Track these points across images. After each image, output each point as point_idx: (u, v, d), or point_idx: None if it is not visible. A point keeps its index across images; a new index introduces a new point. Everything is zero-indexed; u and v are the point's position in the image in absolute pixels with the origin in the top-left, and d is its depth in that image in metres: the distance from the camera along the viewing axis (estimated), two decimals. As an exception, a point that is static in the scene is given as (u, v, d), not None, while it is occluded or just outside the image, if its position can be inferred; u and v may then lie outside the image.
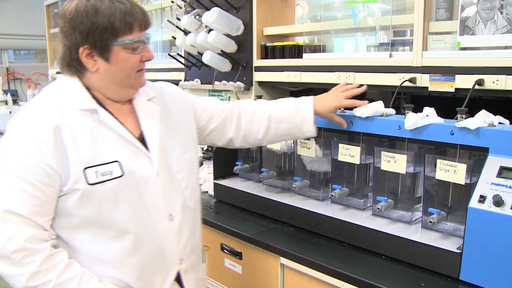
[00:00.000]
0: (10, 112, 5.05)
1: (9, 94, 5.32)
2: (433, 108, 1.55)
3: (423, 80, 1.81)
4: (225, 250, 1.94)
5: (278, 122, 1.66)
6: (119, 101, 1.39)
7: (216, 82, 2.73)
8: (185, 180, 1.47)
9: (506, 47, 1.58)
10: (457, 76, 1.70)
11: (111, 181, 1.28)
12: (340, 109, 1.71)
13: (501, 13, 1.57)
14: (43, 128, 1.23)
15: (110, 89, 1.35)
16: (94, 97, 1.34)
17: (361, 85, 1.72)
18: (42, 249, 1.22)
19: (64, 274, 1.23)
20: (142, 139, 1.38)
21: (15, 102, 5.54)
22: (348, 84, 1.76)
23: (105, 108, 1.34)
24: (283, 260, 1.68)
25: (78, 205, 1.26)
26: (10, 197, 1.20)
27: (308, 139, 1.82)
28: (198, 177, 1.61)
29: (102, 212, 1.28)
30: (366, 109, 1.63)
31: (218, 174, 2.26)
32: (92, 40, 1.26)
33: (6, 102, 5.20)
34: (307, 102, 1.66)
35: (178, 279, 1.45)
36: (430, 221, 1.49)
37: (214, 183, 2.23)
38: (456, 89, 1.71)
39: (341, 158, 1.75)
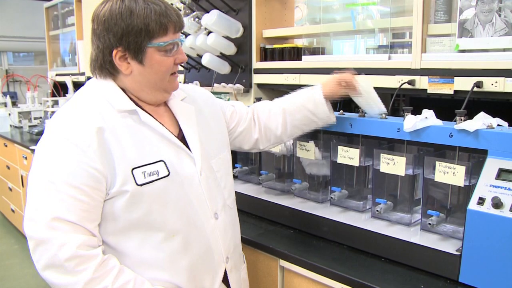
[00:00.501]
0: (10, 114, 5.05)
1: (8, 96, 5.32)
2: (432, 111, 1.55)
3: (422, 82, 1.81)
4: (224, 253, 1.94)
5: (292, 113, 1.67)
6: (153, 104, 1.37)
7: (215, 84, 2.73)
8: (223, 179, 1.47)
9: (504, 50, 1.59)
10: (456, 78, 1.70)
11: (158, 181, 1.26)
12: (342, 82, 1.68)
13: (499, 15, 1.57)
14: (85, 130, 1.20)
15: (143, 92, 1.33)
16: (130, 99, 1.32)
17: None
18: (95, 255, 1.19)
19: (118, 280, 1.21)
20: (181, 139, 1.37)
21: (14, 104, 5.54)
22: None
23: (143, 109, 1.32)
24: (283, 263, 1.68)
25: (126, 208, 1.23)
26: (57, 203, 1.17)
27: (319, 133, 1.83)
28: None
29: (151, 213, 1.26)
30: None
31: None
32: (126, 42, 1.24)
33: (5, 104, 5.20)
34: (315, 87, 1.68)
35: (224, 279, 1.44)
36: (429, 223, 1.49)
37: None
38: (455, 91, 1.71)
39: (340, 160, 1.75)
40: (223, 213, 1.43)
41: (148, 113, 1.32)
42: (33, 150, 3.85)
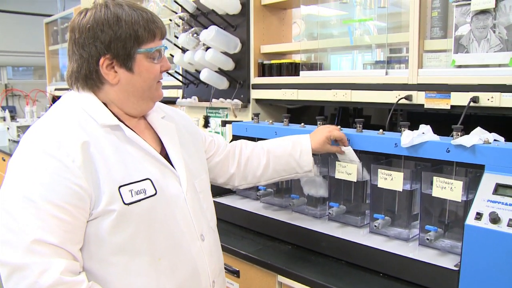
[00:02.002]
0: (8, 128, 5.06)
1: (7, 110, 5.32)
2: (429, 126, 1.56)
3: (419, 98, 1.82)
4: (222, 268, 1.93)
5: (277, 157, 1.67)
6: (136, 115, 1.32)
7: (213, 100, 2.74)
8: (206, 201, 1.42)
9: (499, 65, 1.60)
10: (453, 94, 1.71)
11: (145, 200, 1.18)
12: (332, 139, 1.71)
13: (494, 32, 1.59)
14: (70, 144, 1.11)
15: (129, 102, 1.27)
16: (112, 113, 1.25)
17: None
18: (80, 281, 1.08)
19: None
20: (164, 156, 1.31)
21: (13, 118, 5.55)
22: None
23: (125, 124, 1.26)
24: (281, 278, 1.67)
25: (112, 230, 1.14)
26: (38, 224, 1.05)
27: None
28: None
29: (137, 235, 1.17)
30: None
31: (216, 191, 2.25)
32: (115, 49, 1.19)
33: (4, 119, 5.21)
34: (304, 137, 1.69)
35: None
36: (427, 239, 1.49)
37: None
38: (451, 106, 1.72)
39: (338, 176, 1.75)
40: (208, 235, 1.36)
41: (131, 129, 1.26)
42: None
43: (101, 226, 1.13)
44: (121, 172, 1.16)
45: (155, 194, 1.21)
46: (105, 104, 1.26)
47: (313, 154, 1.69)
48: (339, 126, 1.75)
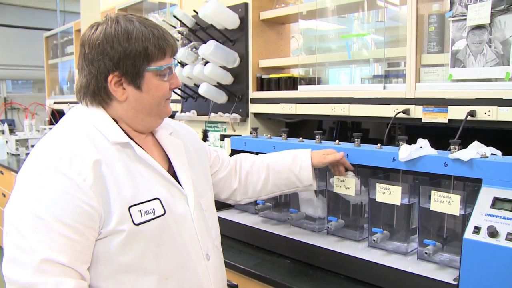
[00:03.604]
0: (7, 141, 5.06)
1: (6, 123, 5.33)
2: (426, 140, 1.57)
3: (416, 112, 1.83)
4: (221, 283, 1.92)
5: (277, 172, 1.67)
6: (144, 132, 1.31)
7: (212, 114, 2.75)
8: (211, 219, 1.40)
9: (496, 79, 1.61)
10: (450, 108, 1.72)
11: (154, 220, 1.17)
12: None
13: (490, 46, 1.61)
14: (81, 162, 1.09)
15: (137, 119, 1.25)
16: (122, 129, 1.24)
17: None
18: None
19: None
20: (172, 174, 1.29)
21: (12, 131, 5.55)
22: None
23: (134, 141, 1.24)
24: (280, 293, 1.67)
25: (120, 249, 1.12)
26: (48, 243, 1.03)
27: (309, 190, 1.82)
28: None
29: (145, 255, 1.15)
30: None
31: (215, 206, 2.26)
32: (124, 67, 1.17)
33: (3, 132, 5.21)
34: (304, 152, 1.69)
35: None
36: (426, 252, 1.49)
37: (210, 214, 2.22)
38: (449, 120, 1.73)
39: (336, 190, 1.75)
40: (213, 254, 1.35)
41: (140, 146, 1.25)
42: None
43: (110, 246, 1.12)
44: (131, 192, 1.15)
45: (164, 214, 1.20)
46: (114, 120, 1.24)
47: (314, 169, 1.69)
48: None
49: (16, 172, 4.19)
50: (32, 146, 5.11)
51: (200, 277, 1.28)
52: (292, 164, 1.66)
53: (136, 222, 1.13)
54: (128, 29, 1.17)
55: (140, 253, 1.15)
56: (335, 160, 1.68)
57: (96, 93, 1.21)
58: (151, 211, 1.17)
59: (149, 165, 1.23)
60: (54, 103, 5.47)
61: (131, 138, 1.24)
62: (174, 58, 1.31)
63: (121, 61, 1.16)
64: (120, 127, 1.24)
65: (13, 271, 1.03)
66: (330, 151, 1.70)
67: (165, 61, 1.23)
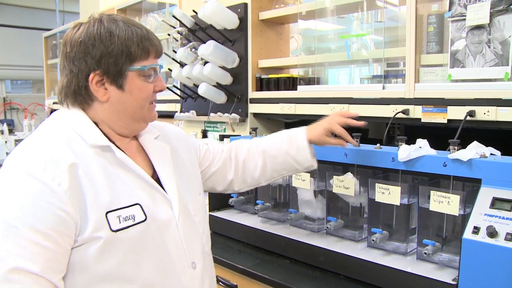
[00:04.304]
0: (6, 142, 5.05)
1: (5, 124, 5.33)
2: (426, 140, 1.57)
3: (416, 112, 1.83)
4: (220, 283, 1.92)
5: (273, 156, 1.59)
6: (127, 136, 1.27)
7: (211, 114, 2.75)
8: (201, 224, 1.36)
9: (495, 80, 1.61)
10: (449, 108, 1.72)
11: (134, 227, 1.12)
12: (332, 133, 1.59)
13: (489, 47, 1.61)
14: (56, 166, 1.05)
15: (120, 121, 1.21)
16: (102, 133, 1.19)
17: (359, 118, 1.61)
18: None
19: None
20: (156, 180, 1.25)
21: (11, 132, 5.55)
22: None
23: (115, 145, 1.19)
24: (279, 293, 1.67)
25: (98, 257, 1.07)
26: (18, 250, 0.97)
27: (309, 172, 1.78)
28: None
29: (125, 264, 1.10)
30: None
31: (213, 206, 2.26)
32: (106, 65, 1.14)
33: (2, 132, 5.21)
34: (299, 131, 1.59)
35: None
36: (425, 253, 1.49)
37: (209, 215, 2.22)
38: (448, 120, 1.73)
39: (335, 190, 1.75)
40: (201, 262, 1.29)
41: (121, 150, 1.20)
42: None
43: (86, 254, 1.06)
44: (109, 197, 1.10)
45: (145, 220, 1.14)
46: (95, 123, 1.20)
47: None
48: (342, 109, 1.64)
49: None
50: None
51: (185, 286, 1.23)
52: (288, 147, 1.57)
53: (113, 229, 1.08)
54: (111, 28, 1.15)
55: (119, 262, 1.09)
56: (331, 129, 1.56)
57: (77, 93, 1.18)
58: (130, 217, 1.12)
59: (130, 170, 1.18)
60: (53, 103, 5.45)
61: (112, 142, 1.19)
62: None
63: (102, 59, 1.14)
64: (102, 130, 1.20)
65: None
66: (337, 129, 1.56)
67: (149, 61, 1.21)
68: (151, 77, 1.22)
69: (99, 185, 1.10)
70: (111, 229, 1.07)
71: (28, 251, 0.98)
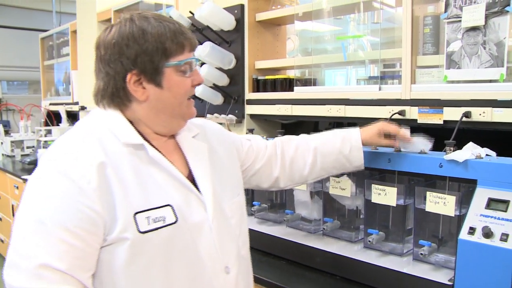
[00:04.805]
0: (2, 143, 5.04)
1: (1, 125, 5.30)
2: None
3: (412, 113, 1.84)
4: (217, 284, 1.92)
5: (325, 155, 1.54)
6: (166, 134, 1.24)
7: (208, 115, 2.75)
8: (238, 226, 1.30)
9: (490, 81, 1.62)
10: (445, 109, 1.73)
11: (164, 229, 1.09)
12: (385, 133, 1.57)
13: (484, 48, 1.61)
14: (86, 164, 1.04)
15: (159, 119, 1.19)
16: (138, 132, 1.18)
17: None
18: None
19: None
20: (191, 180, 1.21)
21: (7, 133, 5.53)
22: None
23: (151, 144, 1.18)
24: (275, 294, 1.67)
25: (125, 258, 1.05)
26: (47, 248, 0.98)
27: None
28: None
29: (153, 266, 1.08)
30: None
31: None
32: (142, 64, 1.12)
33: (-3, 133, 5.19)
34: (354, 131, 1.57)
35: None
36: (421, 253, 1.49)
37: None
38: (444, 121, 1.74)
39: (332, 191, 1.76)
40: (235, 266, 1.24)
41: (157, 149, 1.18)
42: (25, 180, 3.83)
43: (114, 254, 1.05)
44: (139, 197, 1.08)
45: (176, 222, 1.11)
46: (132, 122, 1.19)
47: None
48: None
49: (11, 173, 4.18)
50: (28, 147, 5.10)
51: None
52: (342, 146, 1.54)
53: (141, 230, 1.06)
54: (143, 26, 1.12)
55: (147, 264, 1.07)
56: (384, 130, 1.55)
57: (115, 94, 1.16)
58: (160, 219, 1.09)
59: (163, 169, 1.16)
60: (50, 104, 5.45)
61: (148, 141, 1.18)
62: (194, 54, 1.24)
63: (138, 58, 1.12)
64: (138, 129, 1.19)
65: (11, 275, 0.99)
66: (392, 129, 1.55)
67: (184, 55, 1.18)
68: (188, 71, 1.20)
69: (129, 184, 1.08)
70: (138, 231, 1.06)
71: (55, 248, 0.98)
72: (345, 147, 1.54)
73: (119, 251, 1.05)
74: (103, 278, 1.07)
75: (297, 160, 1.56)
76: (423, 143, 1.56)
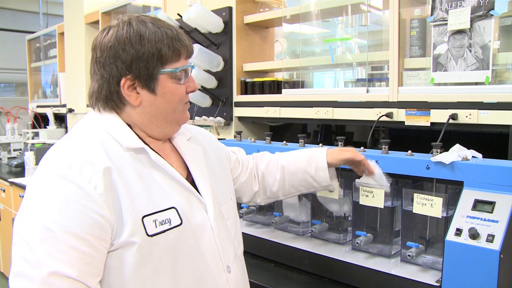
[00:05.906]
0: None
1: (-13, 128, 5.26)
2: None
3: (399, 115, 1.85)
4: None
5: (292, 173, 1.55)
6: (161, 138, 1.23)
7: (196, 117, 2.74)
8: (233, 228, 1.32)
9: (476, 83, 1.64)
10: (432, 111, 1.74)
11: (170, 231, 1.09)
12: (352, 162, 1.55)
13: (470, 51, 1.63)
14: (91, 170, 1.03)
15: (153, 125, 1.18)
16: (136, 135, 1.17)
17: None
18: None
19: None
20: (190, 182, 1.22)
21: (-7, 135, 5.47)
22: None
23: (150, 147, 1.17)
24: (264, 297, 1.66)
25: (133, 262, 1.05)
26: (57, 255, 0.96)
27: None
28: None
29: (161, 268, 1.08)
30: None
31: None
32: (137, 70, 1.11)
33: (-16, 136, 5.13)
34: (321, 152, 1.55)
35: None
36: (409, 255, 1.50)
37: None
38: (431, 123, 1.75)
39: (320, 193, 1.76)
40: (235, 266, 1.27)
41: (156, 152, 1.18)
42: (11, 183, 3.79)
43: (122, 258, 1.05)
44: (145, 201, 1.08)
45: (181, 224, 1.12)
46: (129, 126, 1.18)
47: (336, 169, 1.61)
48: (362, 148, 1.66)
49: (-2, 177, 4.13)
50: (14, 150, 5.05)
51: None
52: (307, 165, 1.54)
53: (149, 233, 1.06)
54: (141, 31, 1.11)
55: (154, 267, 1.07)
56: (353, 159, 1.52)
57: (108, 98, 1.15)
58: (166, 221, 1.09)
59: (165, 172, 1.16)
60: (37, 106, 5.40)
61: (146, 144, 1.17)
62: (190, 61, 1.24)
63: (133, 63, 1.11)
64: (135, 132, 1.18)
65: (19, 285, 0.96)
66: (348, 149, 1.57)
67: (180, 62, 1.17)
68: (183, 78, 1.19)
69: (134, 189, 1.08)
70: (147, 234, 1.06)
71: (65, 255, 0.97)
72: (310, 167, 1.54)
73: (127, 255, 1.05)
74: (112, 283, 1.06)
75: (268, 176, 1.58)
76: (384, 178, 1.56)
